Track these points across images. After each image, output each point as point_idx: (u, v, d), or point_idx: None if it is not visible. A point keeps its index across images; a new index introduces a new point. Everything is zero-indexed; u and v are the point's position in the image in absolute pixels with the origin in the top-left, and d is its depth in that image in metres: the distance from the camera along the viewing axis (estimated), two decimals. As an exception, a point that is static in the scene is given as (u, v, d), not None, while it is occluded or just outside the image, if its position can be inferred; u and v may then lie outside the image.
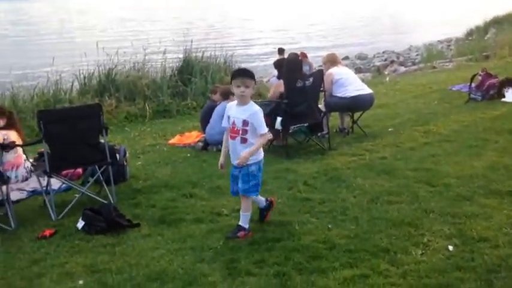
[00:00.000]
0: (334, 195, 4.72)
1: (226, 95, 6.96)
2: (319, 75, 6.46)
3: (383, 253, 3.51)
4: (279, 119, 6.05)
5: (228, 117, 3.86)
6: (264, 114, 6.36)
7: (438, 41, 23.26)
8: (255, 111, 3.79)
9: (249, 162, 3.79)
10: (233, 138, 3.82)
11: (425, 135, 6.75)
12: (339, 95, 6.82)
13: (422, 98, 9.59)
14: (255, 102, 7.23)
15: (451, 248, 3.55)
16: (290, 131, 6.34)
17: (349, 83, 6.91)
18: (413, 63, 17.71)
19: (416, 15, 40.46)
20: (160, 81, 10.16)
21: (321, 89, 6.47)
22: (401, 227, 3.92)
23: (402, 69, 16.39)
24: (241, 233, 3.89)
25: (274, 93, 6.65)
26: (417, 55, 19.66)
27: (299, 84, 6.07)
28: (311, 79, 6.21)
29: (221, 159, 4.01)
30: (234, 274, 3.34)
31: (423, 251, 3.52)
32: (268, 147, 6.48)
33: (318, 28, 33.46)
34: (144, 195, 5.05)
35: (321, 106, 6.70)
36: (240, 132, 3.77)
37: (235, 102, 3.90)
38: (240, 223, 3.95)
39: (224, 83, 9.22)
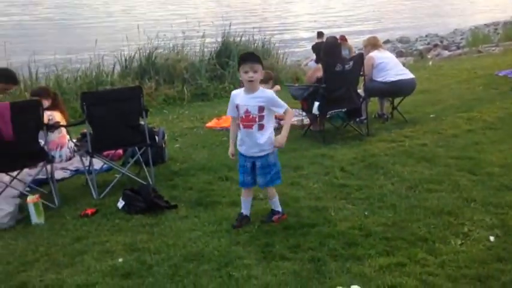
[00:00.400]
0: (372, 182, 4.65)
1: (265, 80, 6.93)
2: (360, 59, 6.34)
3: (421, 242, 3.44)
4: (316, 103, 6.00)
5: (237, 106, 3.67)
6: (302, 98, 6.43)
7: (484, 24, 22.36)
8: (270, 95, 3.64)
9: (268, 152, 3.70)
10: (249, 127, 3.64)
11: (468, 122, 6.54)
12: (379, 79, 6.69)
13: (466, 84, 9.28)
14: (294, 86, 7.27)
15: (492, 238, 3.45)
16: (327, 116, 6.27)
17: (390, 68, 6.76)
18: (458, 47, 17.12)
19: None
20: (199, 64, 10.23)
21: (361, 73, 6.35)
22: (440, 216, 3.83)
23: (446, 53, 15.89)
24: (275, 217, 3.90)
25: (311, 77, 6.57)
26: (462, 39, 18.98)
27: (338, 68, 5.98)
28: (351, 63, 6.10)
29: (231, 148, 3.84)
30: (269, 258, 3.35)
31: (463, 241, 3.44)
32: (305, 132, 6.46)
33: (359, 12, 32.73)
34: (182, 177, 5.13)
35: (360, 91, 6.58)
36: (257, 119, 3.61)
37: (240, 90, 3.72)
38: (273, 208, 3.96)
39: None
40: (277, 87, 7.69)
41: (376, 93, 6.87)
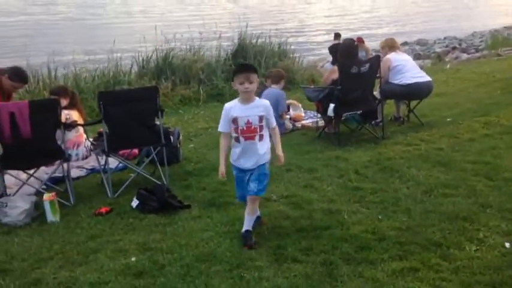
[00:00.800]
0: (386, 185, 4.62)
1: (277, 79, 6.93)
2: (377, 61, 6.28)
3: (435, 247, 3.41)
4: (331, 105, 5.97)
5: (235, 119, 3.50)
6: (317, 100, 6.42)
7: (504, 27, 21.99)
8: (267, 105, 3.56)
9: (266, 162, 3.59)
10: (251, 138, 3.51)
11: (485, 127, 6.45)
12: (395, 82, 6.63)
13: (484, 87, 9.15)
14: (309, 88, 7.25)
15: (507, 245, 3.39)
16: (343, 118, 6.24)
17: (407, 70, 6.70)
18: (477, 50, 16.88)
19: (482, 0, 38.44)
20: (215, 65, 10.26)
21: (377, 75, 6.30)
22: (456, 221, 3.79)
23: (464, 56, 15.68)
24: (255, 240, 3.62)
25: (327, 79, 6.55)
26: (481, 42, 18.70)
27: (354, 70, 5.95)
28: (367, 65, 6.06)
29: (222, 167, 3.60)
30: (281, 260, 3.35)
31: (478, 247, 3.39)
32: (320, 134, 6.44)
33: (377, 14, 32.50)
34: (195, 177, 5.15)
35: (376, 93, 6.54)
36: (258, 129, 3.51)
37: (234, 102, 3.57)
38: (248, 228, 3.67)
39: (278, 68, 9.17)
40: (295, 102, 7.65)
41: (393, 95, 6.81)
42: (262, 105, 3.55)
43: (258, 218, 3.88)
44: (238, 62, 10.41)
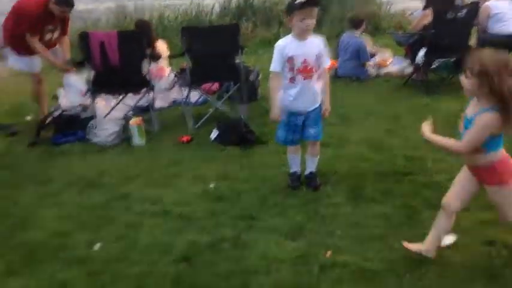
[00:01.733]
0: (478, 135, 4.32)
1: (358, 24, 6.63)
2: (475, 7, 5.81)
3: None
4: (421, 51, 5.62)
5: (291, 57, 3.17)
6: (407, 43, 6.06)
7: None
8: (323, 43, 3.24)
9: (320, 102, 3.34)
10: (309, 77, 3.20)
11: None
12: (494, 31, 6.09)
13: None
14: (398, 33, 6.86)
15: None
16: (433, 66, 5.86)
17: (508, 18, 6.10)
18: None
19: None
20: (297, 7, 9.98)
21: (475, 23, 5.82)
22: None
23: None
24: (320, 182, 3.52)
25: (417, 25, 6.16)
26: None
27: (450, 15, 5.53)
28: (464, 11, 5.62)
29: (277, 109, 3.29)
30: (358, 199, 3.29)
31: None
32: (406, 82, 6.12)
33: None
34: (273, 114, 5.12)
35: (473, 42, 6.06)
36: (314, 69, 3.20)
37: (289, 39, 3.23)
38: (312, 170, 3.53)
39: (363, 11, 8.76)
40: (382, 50, 7.20)
41: (491, 45, 6.24)
42: (319, 42, 3.25)
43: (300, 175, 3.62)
44: (322, 4, 10.04)
